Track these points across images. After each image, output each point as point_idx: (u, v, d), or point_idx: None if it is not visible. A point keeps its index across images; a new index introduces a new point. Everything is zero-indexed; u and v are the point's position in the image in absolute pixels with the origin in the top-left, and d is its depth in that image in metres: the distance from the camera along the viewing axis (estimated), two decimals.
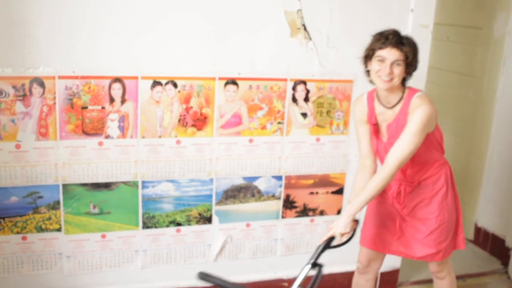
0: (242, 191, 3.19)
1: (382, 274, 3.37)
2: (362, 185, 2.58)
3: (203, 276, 2.20)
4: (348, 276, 3.46)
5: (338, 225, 2.44)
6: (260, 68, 3.03)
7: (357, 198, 2.48)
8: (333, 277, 3.46)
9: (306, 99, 3.15)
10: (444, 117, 4.58)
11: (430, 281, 3.16)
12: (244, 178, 3.18)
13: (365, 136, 2.66)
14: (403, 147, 2.39)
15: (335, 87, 3.17)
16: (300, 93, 3.13)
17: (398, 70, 2.38)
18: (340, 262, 3.38)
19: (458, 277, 3.76)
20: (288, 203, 3.30)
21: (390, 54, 2.37)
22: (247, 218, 3.26)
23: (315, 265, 2.37)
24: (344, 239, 2.48)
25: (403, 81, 2.48)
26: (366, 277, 2.90)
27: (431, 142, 2.55)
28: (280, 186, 3.26)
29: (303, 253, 3.38)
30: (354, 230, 2.52)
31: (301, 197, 3.31)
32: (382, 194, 2.71)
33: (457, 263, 3.95)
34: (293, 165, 3.24)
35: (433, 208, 2.66)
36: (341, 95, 3.19)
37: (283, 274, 3.41)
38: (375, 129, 2.62)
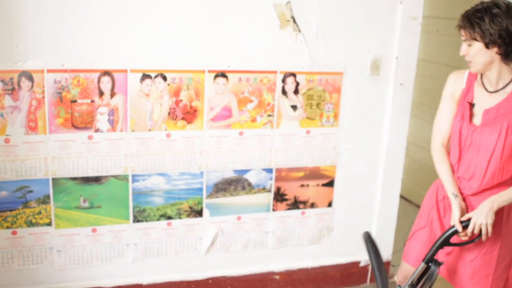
0: (233, 184, 3.19)
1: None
2: (452, 173, 2.38)
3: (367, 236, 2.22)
4: (339, 268, 3.49)
5: (479, 216, 2.20)
6: (250, 60, 3.02)
7: (507, 191, 2.23)
8: (323, 269, 3.47)
9: (296, 92, 3.15)
10: (434, 110, 4.58)
11: None
12: (235, 171, 3.18)
13: (450, 116, 2.44)
14: None
15: (325, 79, 3.17)
16: (290, 86, 3.13)
17: (472, 51, 2.20)
18: (332, 254, 3.41)
19: None
20: (279, 196, 3.30)
21: (463, 34, 2.24)
22: (238, 211, 3.26)
23: (430, 261, 2.26)
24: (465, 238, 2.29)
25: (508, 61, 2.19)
26: None
27: None
28: (271, 178, 3.26)
29: (294, 245, 3.39)
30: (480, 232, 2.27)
31: (291, 190, 3.32)
32: (439, 212, 2.50)
33: None
34: (284, 157, 3.24)
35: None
36: (331, 87, 3.20)
37: (274, 267, 3.42)
38: (465, 109, 2.34)
